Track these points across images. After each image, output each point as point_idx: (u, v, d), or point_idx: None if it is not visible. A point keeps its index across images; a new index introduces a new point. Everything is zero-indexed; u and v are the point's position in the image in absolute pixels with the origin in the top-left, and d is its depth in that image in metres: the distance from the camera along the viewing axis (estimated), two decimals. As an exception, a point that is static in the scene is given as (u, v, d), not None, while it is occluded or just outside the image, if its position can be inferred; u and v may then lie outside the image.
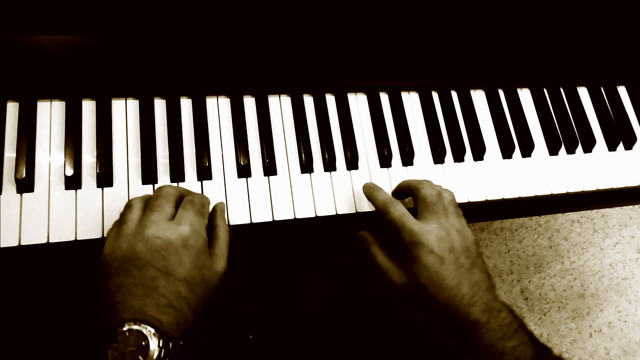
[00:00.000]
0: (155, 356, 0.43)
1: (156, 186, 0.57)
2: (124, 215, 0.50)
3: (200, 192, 0.55)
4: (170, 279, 0.47)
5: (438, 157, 0.66)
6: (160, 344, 0.43)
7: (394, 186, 0.62)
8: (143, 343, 0.43)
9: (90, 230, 0.54)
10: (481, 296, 0.51)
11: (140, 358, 0.43)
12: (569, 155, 0.70)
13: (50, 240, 0.53)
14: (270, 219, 0.59)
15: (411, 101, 0.68)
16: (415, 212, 0.56)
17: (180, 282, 0.47)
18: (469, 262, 0.53)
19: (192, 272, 0.48)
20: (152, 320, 0.44)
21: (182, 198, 0.53)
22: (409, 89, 0.69)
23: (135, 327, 0.43)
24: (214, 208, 0.56)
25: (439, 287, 0.51)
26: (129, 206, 0.51)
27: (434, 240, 0.52)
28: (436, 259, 0.51)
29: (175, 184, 0.52)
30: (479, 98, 0.70)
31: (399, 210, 0.54)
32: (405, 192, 0.60)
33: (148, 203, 0.51)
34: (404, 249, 0.53)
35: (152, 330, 0.44)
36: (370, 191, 0.59)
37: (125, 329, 0.43)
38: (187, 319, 0.48)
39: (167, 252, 0.47)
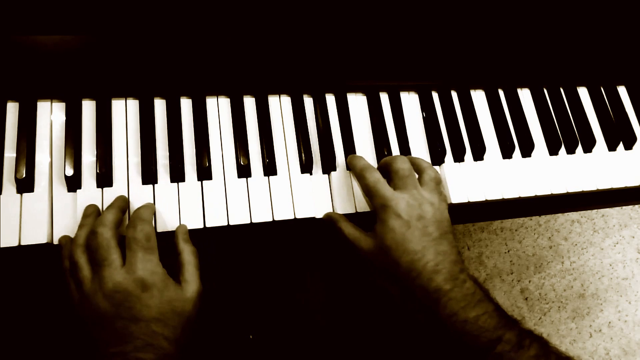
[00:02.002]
0: None
1: (156, 187, 0.57)
2: (75, 275, 0.50)
3: (146, 214, 0.53)
4: (141, 324, 0.48)
5: (438, 157, 0.66)
6: None
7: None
8: None
9: (90, 230, 0.54)
10: (446, 266, 0.52)
11: None
12: (569, 155, 0.70)
13: (50, 241, 0.53)
14: (270, 219, 0.59)
15: (411, 101, 0.68)
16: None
17: (151, 322, 0.48)
18: (438, 232, 0.53)
19: (160, 309, 0.49)
20: None
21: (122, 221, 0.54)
22: (408, 89, 0.69)
23: None
24: (175, 233, 0.55)
25: (403, 250, 0.52)
26: (75, 264, 0.50)
27: (403, 206, 0.53)
28: (402, 222, 0.53)
29: (108, 223, 0.51)
30: (479, 98, 0.70)
31: (374, 176, 0.56)
32: (383, 169, 0.60)
33: (93, 255, 0.50)
34: (375, 213, 0.55)
35: None
36: (351, 159, 0.60)
37: None
38: (170, 353, 0.48)
39: (130, 302, 0.48)
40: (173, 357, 0.49)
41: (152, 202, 0.56)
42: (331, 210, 0.61)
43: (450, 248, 0.54)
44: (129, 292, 0.48)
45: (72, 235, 0.53)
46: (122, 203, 0.55)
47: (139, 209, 0.54)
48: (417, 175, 0.59)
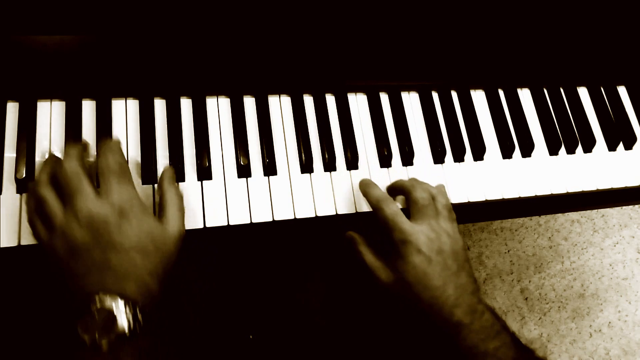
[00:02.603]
0: (125, 324, 0.43)
1: (156, 187, 0.57)
2: (45, 210, 0.47)
3: (115, 145, 0.50)
4: (120, 252, 0.46)
5: (438, 157, 0.66)
6: (127, 311, 0.43)
7: (394, 186, 0.62)
8: (110, 314, 0.43)
9: (90, 230, 0.54)
10: (465, 299, 0.52)
11: (112, 328, 0.43)
12: (569, 155, 0.70)
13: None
14: (270, 219, 0.59)
15: (411, 101, 0.68)
16: (407, 213, 0.57)
17: (131, 251, 0.46)
18: (456, 265, 0.53)
19: (140, 239, 0.47)
20: (116, 290, 0.44)
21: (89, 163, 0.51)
22: (409, 89, 0.69)
23: (99, 300, 0.43)
24: (161, 176, 0.54)
25: (424, 286, 0.52)
26: (42, 200, 0.47)
27: (424, 240, 0.53)
28: (424, 258, 0.52)
29: (74, 155, 0.48)
30: (479, 98, 0.70)
31: (392, 209, 0.55)
32: (399, 191, 0.60)
33: (62, 190, 0.47)
34: (393, 247, 0.54)
35: (118, 299, 0.43)
36: (365, 187, 0.59)
37: (90, 304, 0.43)
38: (150, 286, 0.47)
39: (108, 229, 0.46)
40: (153, 289, 0.47)
41: (153, 202, 0.56)
42: (331, 210, 0.61)
43: (468, 279, 0.54)
44: (107, 218, 0.46)
45: None
46: (83, 142, 0.53)
47: (105, 141, 0.51)
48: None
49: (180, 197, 0.53)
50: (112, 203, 0.47)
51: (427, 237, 0.53)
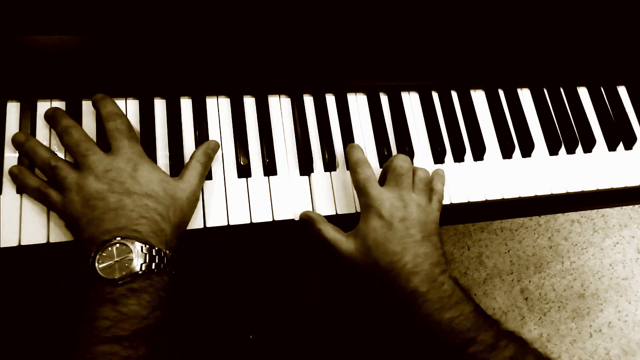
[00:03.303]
0: (140, 262, 0.45)
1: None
2: (55, 178, 0.50)
3: (116, 108, 0.55)
4: (134, 196, 0.49)
5: (438, 157, 0.66)
6: (143, 250, 0.45)
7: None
8: (126, 252, 0.45)
9: (90, 230, 0.54)
10: (425, 268, 0.52)
11: (127, 265, 0.45)
12: (569, 155, 0.70)
13: (50, 240, 0.53)
14: (270, 219, 0.59)
15: (411, 101, 0.68)
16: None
17: (144, 196, 0.49)
18: (420, 234, 0.54)
19: (152, 187, 0.50)
20: (130, 232, 0.46)
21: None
22: (409, 89, 0.69)
23: (115, 238, 0.45)
24: (201, 145, 0.57)
25: (384, 250, 0.53)
26: (55, 167, 0.50)
27: (387, 207, 0.54)
28: (384, 223, 0.53)
29: (72, 122, 0.53)
30: (479, 98, 0.70)
31: (366, 173, 0.56)
32: (387, 169, 0.60)
33: (73, 154, 0.51)
34: (362, 211, 0.56)
35: (132, 238, 0.46)
36: (350, 148, 0.59)
37: (106, 242, 0.45)
38: (164, 230, 0.49)
39: (122, 177, 0.49)
40: (166, 234, 0.49)
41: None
42: (331, 210, 0.61)
43: (433, 250, 0.54)
44: (121, 169, 0.50)
45: None
46: (64, 111, 0.55)
47: (105, 103, 0.54)
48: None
49: (204, 167, 0.56)
50: (125, 157, 0.51)
51: (392, 204, 0.54)
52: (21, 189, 0.53)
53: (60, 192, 0.50)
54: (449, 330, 0.49)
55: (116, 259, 0.45)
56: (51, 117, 0.55)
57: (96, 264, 0.44)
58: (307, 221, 0.59)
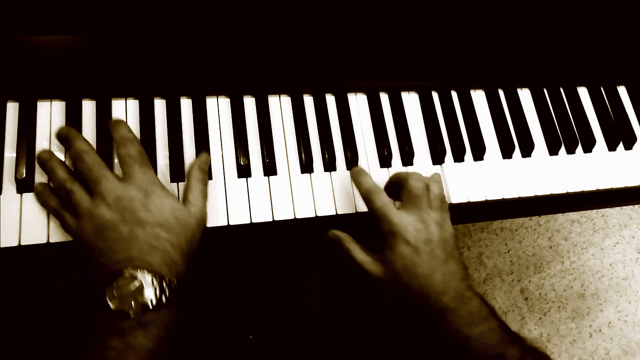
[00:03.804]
0: (151, 295, 0.45)
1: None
2: (70, 202, 0.50)
3: (130, 133, 0.54)
4: (145, 227, 0.49)
5: (438, 157, 0.66)
6: (154, 283, 0.45)
7: (394, 186, 0.62)
8: (137, 284, 0.45)
9: (90, 230, 0.54)
10: (453, 285, 0.53)
11: (138, 298, 0.45)
12: (569, 155, 0.70)
13: (51, 240, 0.53)
14: (270, 219, 0.59)
15: (411, 101, 0.68)
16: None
17: (156, 226, 0.49)
18: (444, 253, 0.54)
19: (163, 215, 0.50)
20: (141, 263, 0.46)
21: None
22: (409, 89, 0.69)
23: (127, 270, 0.45)
24: (193, 162, 0.57)
25: (412, 275, 0.53)
26: (70, 192, 0.50)
27: (411, 231, 0.54)
28: (411, 248, 0.53)
29: (88, 148, 0.52)
30: (479, 98, 0.70)
31: (382, 200, 0.55)
32: (396, 184, 0.60)
33: (86, 180, 0.51)
34: (383, 237, 0.55)
35: (145, 272, 0.45)
36: (356, 176, 0.59)
37: (118, 275, 0.45)
38: (175, 259, 0.49)
39: (134, 206, 0.49)
40: (177, 263, 0.49)
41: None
42: (331, 210, 0.61)
43: (457, 266, 0.55)
44: (133, 197, 0.49)
45: None
46: (78, 132, 0.55)
47: (118, 128, 0.54)
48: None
49: (204, 184, 0.56)
50: (137, 185, 0.50)
51: (415, 227, 0.54)
52: (43, 206, 0.54)
53: (74, 217, 0.51)
54: (479, 346, 0.50)
55: (127, 291, 0.45)
56: (64, 139, 0.54)
57: (107, 296, 0.45)
58: (335, 240, 0.59)
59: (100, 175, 0.50)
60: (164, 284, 0.46)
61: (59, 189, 0.52)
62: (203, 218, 0.54)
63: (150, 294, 0.45)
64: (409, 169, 0.65)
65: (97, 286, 0.46)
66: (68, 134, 0.54)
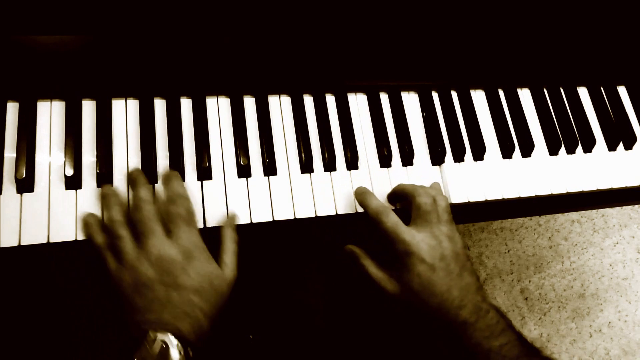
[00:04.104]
0: (176, 358, 0.46)
1: (156, 187, 0.57)
2: (116, 247, 0.51)
3: (182, 190, 0.55)
4: (182, 292, 0.49)
5: (438, 157, 0.66)
6: (180, 349, 0.46)
7: (393, 185, 0.62)
8: (165, 349, 0.46)
9: (90, 230, 0.54)
10: (470, 298, 0.53)
11: (163, 359, 0.46)
12: (569, 155, 0.70)
13: (51, 241, 0.53)
14: (270, 219, 0.59)
15: (411, 101, 0.68)
16: (407, 216, 0.57)
17: (191, 292, 0.50)
18: (458, 267, 0.54)
19: (201, 282, 0.51)
20: (171, 329, 0.47)
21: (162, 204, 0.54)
22: (408, 89, 0.69)
23: (156, 335, 0.46)
24: (225, 222, 0.57)
25: (431, 293, 0.53)
26: (118, 237, 0.51)
27: (426, 250, 0.54)
28: (427, 267, 0.53)
29: (148, 198, 0.53)
30: (479, 98, 0.70)
31: (392, 220, 0.55)
32: (401, 196, 0.61)
33: (137, 229, 0.52)
34: (397, 257, 0.55)
35: (172, 337, 0.46)
36: (362, 197, 0.59)
37: (147, 338, 0.46)
38: (203, 326, 0.50)
39: (174, 269, 0.50)
40: (205, 332, 0.50)
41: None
42: (331, 210, 0.61)
43: (471, 277, 0.55)
44: (174, 260, 0.50)
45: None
46: (145, 179, 0.55)
47: (173, 184, 0.55)
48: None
49: (237, 243, 0.56)
50: (180, 246, 0.51)
51: (429, 245, 0.54)
52: (87, 237, 0.54)
53: (117, 261, 0.51)
54: (499, 358, 0.50)
55: (153, 352, 0.46)
56: (132, 181, 0.55)
57: (135, 357, 0.46)
58: (351, 255, 0.59)
59: (151, 229, 0.51)
60: (189, 351, 0.47)
61: (109, 227, 0.53)
62: (235, 278, 0.55)
63: (175, 358, 0.46)
64: (408, 169, 0.65)
65: (126, 340, 0.48)
66: (136, 179, 0.55)
